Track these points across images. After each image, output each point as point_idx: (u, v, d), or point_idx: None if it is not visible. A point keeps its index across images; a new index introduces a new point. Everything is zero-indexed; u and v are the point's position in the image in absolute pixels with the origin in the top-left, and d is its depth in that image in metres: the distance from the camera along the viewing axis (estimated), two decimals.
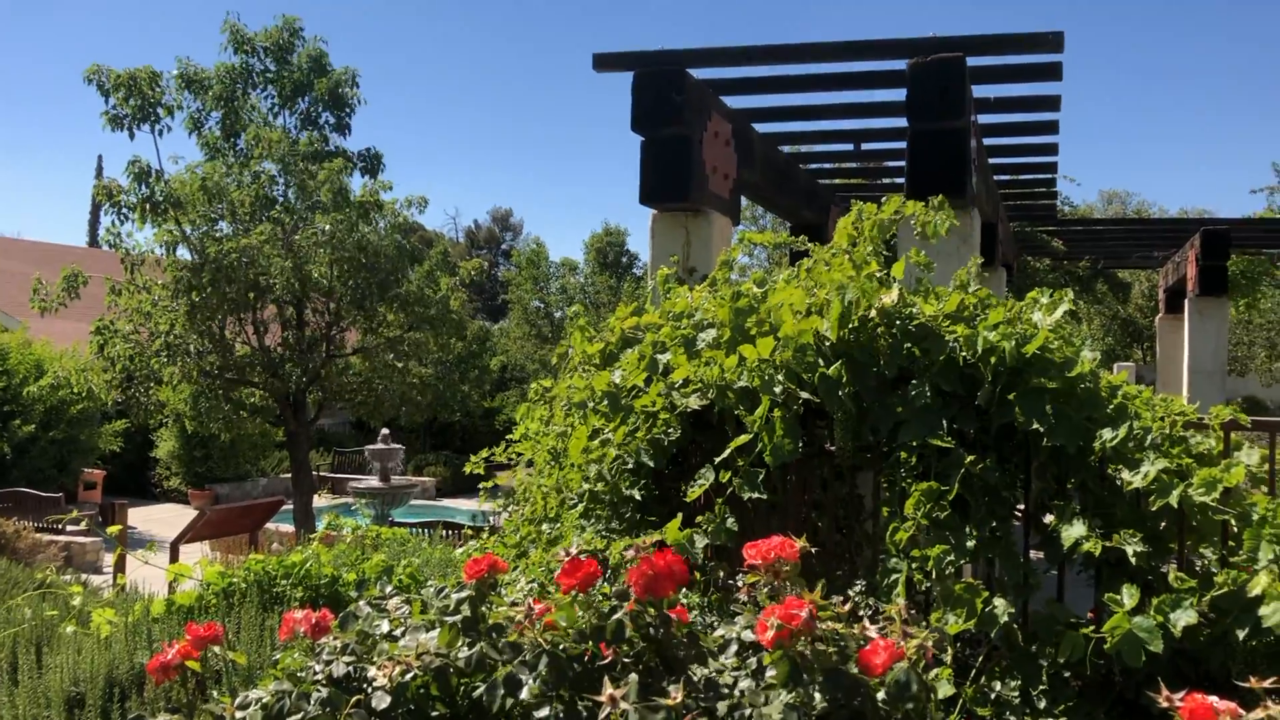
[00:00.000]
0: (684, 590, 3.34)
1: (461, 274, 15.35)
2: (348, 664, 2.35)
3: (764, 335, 3.66)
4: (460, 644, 2.36)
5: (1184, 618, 2.80)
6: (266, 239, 12.71)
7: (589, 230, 51.58)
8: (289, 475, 15.88)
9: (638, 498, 3.77)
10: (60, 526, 14.00)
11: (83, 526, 14.00)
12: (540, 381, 5.17)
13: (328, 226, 12.98)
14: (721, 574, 3.44)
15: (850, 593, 3.29)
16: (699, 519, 3.49)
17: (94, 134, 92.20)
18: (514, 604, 2.46)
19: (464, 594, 2.45)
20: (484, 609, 2.45)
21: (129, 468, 21.15)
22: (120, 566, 8.05)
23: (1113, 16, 78.63)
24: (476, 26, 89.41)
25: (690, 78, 6.75)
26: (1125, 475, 3.05)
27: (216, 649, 2.73)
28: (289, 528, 13.75)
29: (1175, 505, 2.97)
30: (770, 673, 2.13)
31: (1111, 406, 3.17)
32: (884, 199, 4.42)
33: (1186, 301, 14.84)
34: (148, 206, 12.63)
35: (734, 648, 2.23)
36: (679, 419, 3.76)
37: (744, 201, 10.35)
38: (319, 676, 2.34)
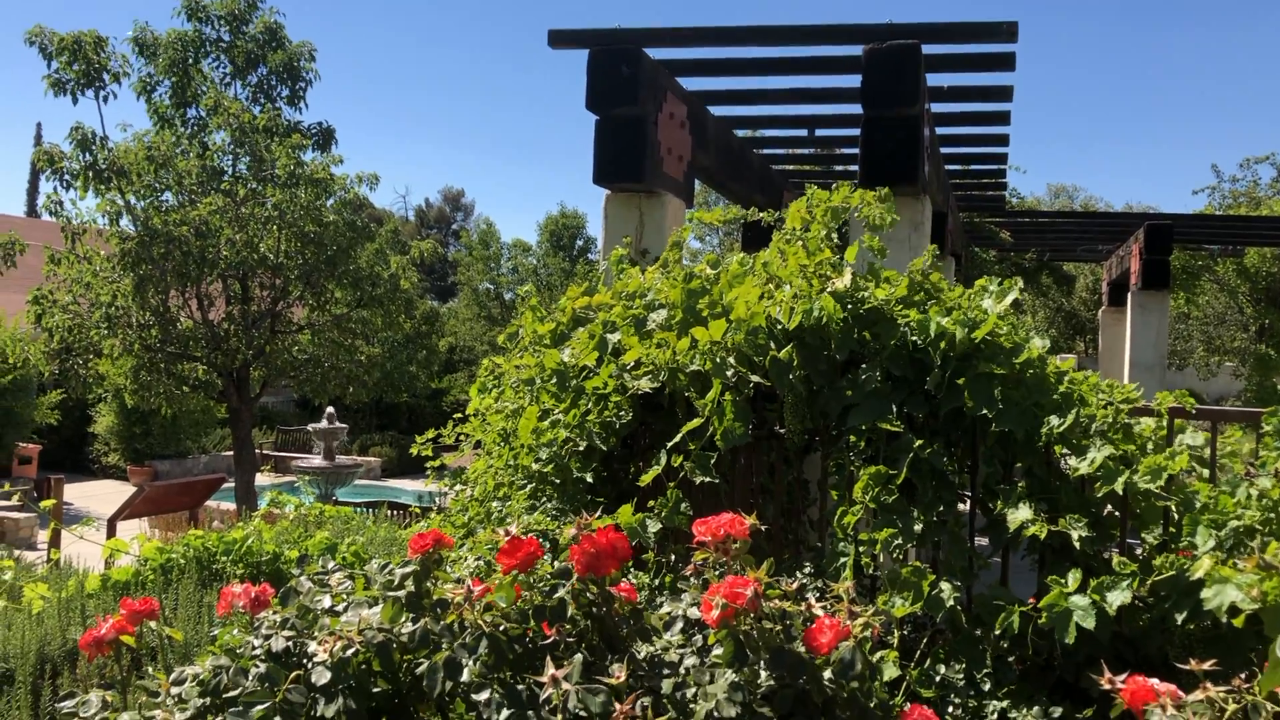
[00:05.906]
0: (633, 571, 3.32)
1: (414, 253, 15.17)
2: (288, 639, 2.30)
3: (716, 317, 3.64)
4: (404, 619, 2.32)
5: (1119, 598, 2.84)
6: (215, 210, 12.47)
7: (544, 213, 51.20)
8: (231, 453, 15.63)
9: (589, 480, 3.74)
10: None
11: (15, 501, 13.69)
12: (492, 359, 5.08)
13: (278, 200, 12.76)
14: (672, 556, 3.43)
15: (799, 574, 3.29)
16: (651, 503, 3.47)
17: (33, 100, 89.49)
18: (459, 581, 2.42)
19: (408, 569, 2.41)
20: (429, 584, 2.41)
21: (66, 443, 20.74)
22: (55, 542, 7.86)
23: (1064, 12, 79.68)
24: (431, 2, 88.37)
25: (646, 57, 6.70)
26: (1073, 461, 3.08)
27: (153, 624, 2.66)
28: (230, 506, 13.55)
29: (1120, 492, 3.00)
30: (716, 651, 2.12)
31: (1058, 393, 3.20)
32: (835, 185, 4.41)
33: (1129, 295, 15.10)
34: (90, 175, 12.32)
35: (679, 625, 2.21)
36: (630, 401, 3.73)
37: (697, 186, 10.33)
38: (258, 652, 2.29)
